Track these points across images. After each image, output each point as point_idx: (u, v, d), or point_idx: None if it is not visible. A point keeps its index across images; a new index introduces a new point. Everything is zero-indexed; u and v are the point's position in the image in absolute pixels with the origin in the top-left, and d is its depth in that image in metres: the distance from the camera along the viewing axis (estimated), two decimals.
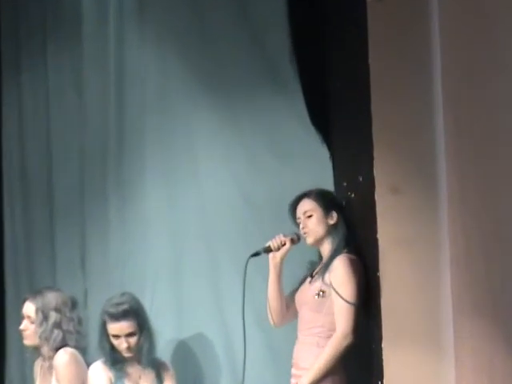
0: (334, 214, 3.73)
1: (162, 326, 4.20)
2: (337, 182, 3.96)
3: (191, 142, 4.33)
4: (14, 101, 4.98)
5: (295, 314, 3.78)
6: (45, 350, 4.12)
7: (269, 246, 3.81)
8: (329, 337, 3.61)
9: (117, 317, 4.00)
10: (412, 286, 3.38)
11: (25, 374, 4.75)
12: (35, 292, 4.22)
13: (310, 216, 3.73)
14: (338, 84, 3.90)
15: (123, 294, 4.08)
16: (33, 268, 4.90)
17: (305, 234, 3.75)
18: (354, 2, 3.60)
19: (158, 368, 4.08)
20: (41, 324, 4.10)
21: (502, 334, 2.97)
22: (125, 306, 4.00)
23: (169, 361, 4.20)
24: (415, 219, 3.39)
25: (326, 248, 3.73)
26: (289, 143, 4.13)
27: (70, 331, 4.10)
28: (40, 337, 4.10)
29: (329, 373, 3.60)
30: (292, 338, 3.74)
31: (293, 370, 3.73)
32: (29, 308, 4.16)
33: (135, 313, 4.02)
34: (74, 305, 4.17)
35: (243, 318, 3.69)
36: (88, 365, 4.09)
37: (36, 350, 4.18)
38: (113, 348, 4.04)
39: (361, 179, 3.60)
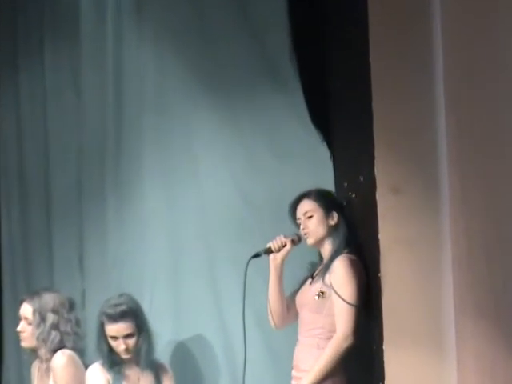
0: (335, 215, 3.71)
1: (161, 327, 4.19)
2: (337, 182, 3.95)
3: (190, 141, 4.32)
4: (11, 100, 4.98)
5: (296, 316, 3.76)
6: (42, 351, 4.10)
7: (269, 248, 3.79)
8: (329, 338, 3.60)
9: (115, 318, 3.98)
10: (413, 287, 3.37)
11: (22, 376, 4.74)
12: (32, 293, 4.21)
13: (310, 217, 3.72)
14: (339, 83, 3.89)
15: (121, 295, 4.07)
16: (30, 269, 4.89)
17: (305, 234, 3.73)
18: (354, 2, 3.59)
19: (156, 370, 4.07)
20: (38, 325, 4.09)
21: (504, 335, 2.98)
22: (123, 307, 3.99)
23: (167, 362, 4.19)
24: (416, 219, 3.39)
25: (327, 249, 3.71)
26: (289, 143, 4.12)
27: (68, 333, 4.08)
28: (37, 338, 4.09)
29: (329, 374, 3.58)
30: (292, 340, 3.72)
31: (293, 372, 3.71)
32: (26, 309, 4.14)
33: (133, 314, 4.01)
34: (71, 306, 4.16)
35: (243, 321, 3.68)
36: (86, 367, 4.08)
37: (33, 351, 4.17)
38: (111, 350, 4.02)
39: (362, 179, 3.59)
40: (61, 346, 4.06)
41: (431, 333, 3.34)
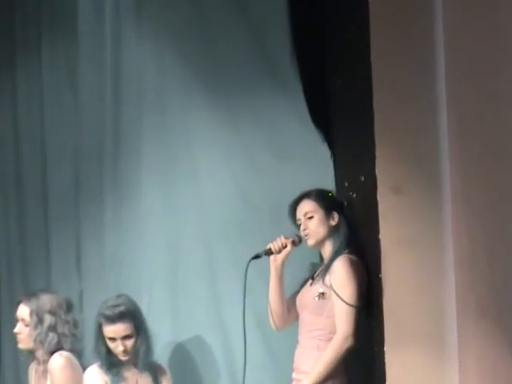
0: (336, 215, 3.70)
1: (159, 328, 4.17)
2: (338, 182, 3.95)
3: (189, 141, 4.31)
4: (8, 99, 4.95)
5: (296, 317, 3.75)
6: (39, 353, 4.08)
7: (270, 249, 3.78)
8: (329, 340, 3.58)
9: (113, 319, 3.96)
10: (415, 287, 3.36)
11: (19, 378, 4.73)
12: (30, 294, 4.19)
13: (311, 217, 3.71)
14: (339, 83, 3.90)
15: (119, 296, 4.05)
16: (27, 270, 4.88)
17: (306, 235, 3.72)
18: (354, 2, 3.59)
19: (155, 371, 4.05)
20: (35, 327, 4.07)
21: (507, 336, 2.98)
22: (121, 308, 3.97)
23: (166, 364, 4.16)
24: (418, 219, 3.38)
25: (327, 249, 3.70)
26: (289, 143, 4.11)
27: (65, 334, 4.06)
28: (35, 340, 4.07)
29: (329, 376, 3.57)
30: (293, 342, 3.72)
31: (293, 375, 3.70)
32: (23, 311, 4.12)
33: (131, 315, 3.98)
34: (69, 307, 4.14)
35: (244, 322, 3.66)
36: (84, 368, 4.06)
37: (31, 353, 4.15)
38: (109, 351, 4.00)
39: (363, 179, 3.59)
40: (58, 347, 4.04)
41: (433, 334, 3.33)
